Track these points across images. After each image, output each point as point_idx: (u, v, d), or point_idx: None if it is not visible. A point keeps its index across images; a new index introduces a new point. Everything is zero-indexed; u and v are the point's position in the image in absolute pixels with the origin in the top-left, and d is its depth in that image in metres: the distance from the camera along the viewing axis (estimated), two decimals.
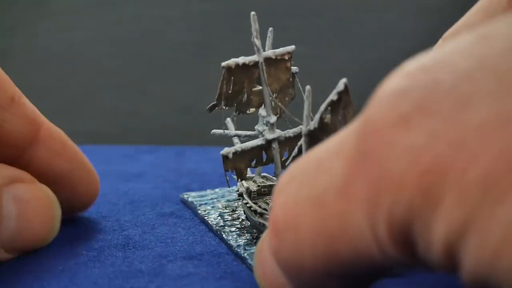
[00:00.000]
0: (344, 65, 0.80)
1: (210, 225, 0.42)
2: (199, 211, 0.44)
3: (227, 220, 0.42)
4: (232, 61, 0.37)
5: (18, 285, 0.34)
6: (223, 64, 0.37)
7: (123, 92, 0.85)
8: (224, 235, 0.39)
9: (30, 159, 0.39)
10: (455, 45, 0.21)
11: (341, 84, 0.33)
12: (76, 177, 0.41)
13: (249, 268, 0.35)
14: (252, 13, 0.37)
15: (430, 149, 0.19)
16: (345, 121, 0.33)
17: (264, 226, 0.38)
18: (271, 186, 0.43)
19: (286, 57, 0.38)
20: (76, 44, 0.85)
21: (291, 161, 0.39)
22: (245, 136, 0.42)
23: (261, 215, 0.38)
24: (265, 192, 0.42)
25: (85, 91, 0.86)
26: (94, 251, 0.39)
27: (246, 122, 0.41)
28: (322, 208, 0.23)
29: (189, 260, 0.37)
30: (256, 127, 0.43)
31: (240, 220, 0.42)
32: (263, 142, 0.39)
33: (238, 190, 0.42)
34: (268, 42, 0.41)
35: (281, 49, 0.38)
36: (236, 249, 0.38)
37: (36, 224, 0.37)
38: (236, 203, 0.45)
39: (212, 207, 0.44)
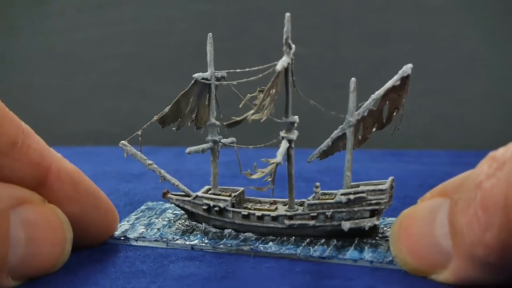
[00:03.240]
0: (344, 65, 0.80)
1: (216, 248, 0.39)
2: (176, 242, 0.39)
3: (225, 237, 0.40)
4: (281, 65, 0.35)
5: (18, 286, 0.34)
6: (277, 69, 0.35)
7: (123, 92, 0.85)
8: (262, 248, 0.38)
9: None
10: None
11: (408, 68, 0.35)
12: (88, 220, 0.38)
13: (336, 260, 0.36)
14: (287, 14, 0.36)
15: None
16: (398, 104, 0.37)
17: (300, 227, 0.39)
18: (243, 193, 0.43)
19: (293, 57, 0.38)
20: (76, 44, 0.85)
21: (319, 155, 0.40)
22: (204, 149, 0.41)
23: (275, 218, 0.39)
24: (237, 201, 0.42)
25: (85, 91, 0.86)
26: (95, 252, 0.39)
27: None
28: None
29: (190, 261, 0.37)
30: (208, 138, 0.41)
31: (233, 233, 0.40)
32: (289, 144, 0.38)
33: (211, 206, 0.40)
34: (210, 47, 0.41)
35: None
36: (305, 254, 0.37)
37: (45, 248, 0.34)
38: (180, 220, 0.43)
39: (175, 234, 0.40)
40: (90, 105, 0.86)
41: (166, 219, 0.43)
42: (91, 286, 0.34)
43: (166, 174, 0.42)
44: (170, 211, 0.45)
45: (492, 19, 0.79)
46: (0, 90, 0.85)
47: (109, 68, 0.85)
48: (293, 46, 0.37)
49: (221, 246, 0.38)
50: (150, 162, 0.42)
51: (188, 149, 0.41)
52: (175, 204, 0.43)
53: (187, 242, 0.39)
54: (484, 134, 0.79)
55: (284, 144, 0.38)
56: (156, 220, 0.43)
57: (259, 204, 0.42)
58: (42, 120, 0.86)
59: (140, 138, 0.41)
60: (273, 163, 0.37)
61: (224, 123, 0.37)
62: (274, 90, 0.36)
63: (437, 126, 0.83)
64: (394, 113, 0.38)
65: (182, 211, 0.44)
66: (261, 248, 0.38)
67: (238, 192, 0.42)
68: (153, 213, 0.45)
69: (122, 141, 0.41)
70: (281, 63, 0.36)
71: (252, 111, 0.36)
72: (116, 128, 0.83)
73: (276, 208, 0.41)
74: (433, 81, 0.81)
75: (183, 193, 0.42)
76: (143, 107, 0.83)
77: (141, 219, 0.44)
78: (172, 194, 0.43)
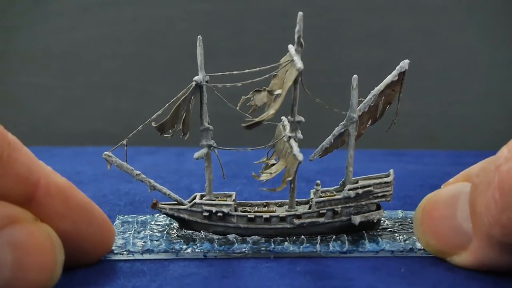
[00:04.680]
0: (344, 65, 0.80)
1: (230, 254, 0.38)
2: (186, 251, 0.38)
3: (234, 242, 0.39)
4: (301, 64, 0.35)
5: None
6: (300, 67, 0.35)
7: (123, 92, 0.85)
8: (279, 249, 0.38)
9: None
10: None
11: (405, 64, 0.37)
12: (81, 236, 0.35)
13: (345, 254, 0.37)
14: (300, 13, 0.36)
15: None
16: (391, 100, 0.38)
17: (309, 225, 0.39)
18: (235, 197, 0.42)
19: None
20: (76, 44, 0.85)
21: (321, 153, 0.40)
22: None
23: (283, 219, 0.39)
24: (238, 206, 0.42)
25: (85, 92, 0.86)
26: None
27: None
28: None
29: (191, 261, 0.37)
30: (203, 143, 0.40)
31: (238, 238, 0.39)
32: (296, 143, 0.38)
33: (214, 212, 0.40)
34: (200, 50, 0.40)
35: (292, 50, 0.37)
36: (325, 251, 0.37)
37: (33, 273, 0.31)
38: (171, 230, 0.41)
39: (180, 244, 0.39)
40: (90, 105, 0.86)
41: (155, 231, 0.41)
42: (91, 286, 0.34)
43: (156, 183, 0.41)
44: (152, 222, 0.43)
45: (492, 19, 0.79)
46: (0, 90, 0.85)
47: (109, 68, 0.85)
48: (291, 45, 0.37)
49: (237, 251, 0.38)
50: (138, 172, 0.41)
51: (196, 155, 0.40)
52: (167, 214, 0.41)
53: (197, 250, 0.38)
54: (484, 134, 0.79)
55: (295, 143, 0.38)
56: (147, 232, 0.41)
57: (256, 207, 0.42)
58: (42, 120, 0.86)
59: (125, 147, 0.39)
60: (273, 164, 0.37)
61: (243, 125, 0.37)
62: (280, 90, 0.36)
63: (437, 126, 0.83)
64: (387, 108, 0.39)
65: (169, 221, 0.43)
66: (279, 249, 0.38)
67: (234, 196, 0.42)
68: (135, 226, 0.42)
69: (106, 152, 0.40)
70: (300, 62, 0.35)
71: (271, 111, 0.36)
72: (116, 128, 0.83)
73: (275, 210, 0.41)
74: (433, 81, 0.81)
75: (175, 202, 0.41)
76: (143, 107, 0.83)
77: (129, 233, 0.41)
78: (162, 204, 0.41)
